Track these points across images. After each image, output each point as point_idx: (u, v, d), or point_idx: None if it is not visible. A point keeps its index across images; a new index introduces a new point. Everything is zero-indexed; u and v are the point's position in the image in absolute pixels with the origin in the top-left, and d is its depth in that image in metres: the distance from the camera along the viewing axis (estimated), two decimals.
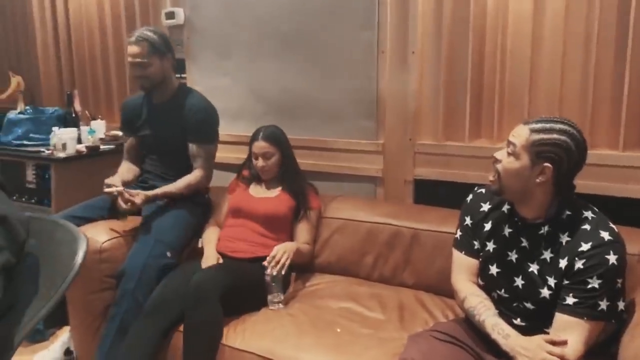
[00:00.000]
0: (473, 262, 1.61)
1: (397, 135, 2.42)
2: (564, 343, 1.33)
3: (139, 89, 2.42)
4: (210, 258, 2.14)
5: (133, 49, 2.31)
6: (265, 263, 2.02)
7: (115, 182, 2.24)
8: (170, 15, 2.95)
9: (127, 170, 2.51)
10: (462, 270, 1.63)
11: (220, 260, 2.14)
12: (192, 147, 2.39)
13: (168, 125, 2.41)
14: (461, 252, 1.64)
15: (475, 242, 1.61)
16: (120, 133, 2.90)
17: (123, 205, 2.17)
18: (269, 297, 2.02)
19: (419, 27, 2.28)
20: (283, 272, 2.02)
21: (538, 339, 1.36)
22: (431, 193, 2.36)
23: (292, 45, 2.64)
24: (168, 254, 2.15)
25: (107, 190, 2.20)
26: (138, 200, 2.18)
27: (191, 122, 2.37)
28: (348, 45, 2.48)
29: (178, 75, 2.63)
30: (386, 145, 2.45)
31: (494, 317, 1.47)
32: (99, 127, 3.10)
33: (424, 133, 2.37)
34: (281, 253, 2.04)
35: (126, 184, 2.38)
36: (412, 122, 2.37)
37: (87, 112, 3.26)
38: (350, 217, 2.31)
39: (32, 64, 3.75)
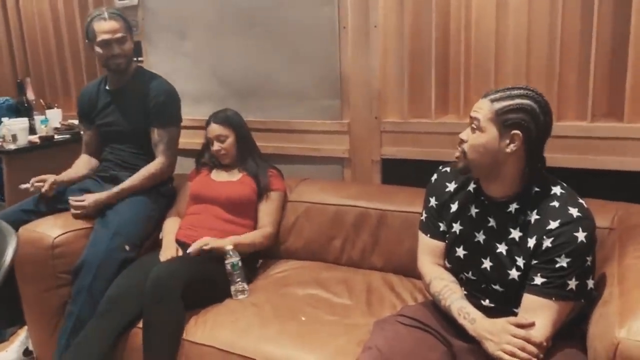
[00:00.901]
0: (438, 245, 1.54)
1: (362, 114, 2.34)
2: (530, 325, 1.28)
3: (115, 69, 2.25)
4: (168, 249, 2.04)
5: (110, 24, 2.18)
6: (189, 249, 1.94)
7: (48, 179, 2.15)
8: None
9: (83, 163, 2.39)
10: (427, 253, 1.56)
11: (180, 252, 2.04)
12: (154, 132, 2.28)
13: (127, 111, 2.30)
14: (426, 234, 1.57)
15: (441, 224, 1.54)
16: (76, 122, 2.78)
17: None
18: (232, 288, 1.94)
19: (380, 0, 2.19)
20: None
21: (503, 321, 1.30)
22: (399, 173, 2.30)
23: (252, 23, 2.53)
24: (127, 247, 2.05)
25: (22, 186, 2.12)
26: (87, 203, 2.11)
27: (151, 105, 2.26)
28: (309, 21, 2.38)
29: (135, 59, 2.50)
30: (352, 124, 2.37)
31: (460, 301, 1.41)
32: (54, 116, 2.96)
33: (390, 111, 2.29)
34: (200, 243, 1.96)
35: (81, 178, 2.28)
36: (377, 100, 2.29)
37: (41, 100, 3.10)
38: (317, 200, 2.23)
39: None
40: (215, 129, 2.23)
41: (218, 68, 2.67)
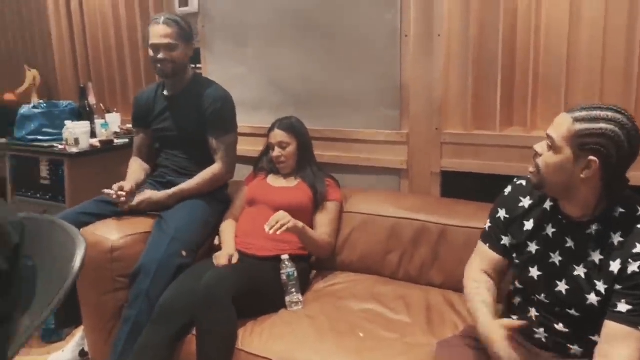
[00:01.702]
0: (494, 257, 1.48)
1: (422, 125, 2.27)
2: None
3: (159, 74, 2.30)
4: (228, 248, 2.05)
5: (161, 28, 2.21)
6: (265, 225, 1.92)
7: (125, 187, 2.15)
8: (184, 3, 2.84)
9: (138, 169, 2.42)
10: (479, 259, 1.51)
11: (236, 255, 2.03)
12: (212, 140, 2.29)
13: (184, 117, 2.31)
14: (485, 244, 1.50)
15: (504, 238, 1.46)
16: None
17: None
18: (287, 298, 1.91)
19: (445, 7, 2.13)
20: (279, 233, 1.90)
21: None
22: (460, 186, 2.21)
23: (310, 30, 2.51)
24: (184, 253, 2.05)
25: (105, 191, 2.13)
26: (143, 206, 2.15)
27: (208, 112, 2.27)
28: (369, 29, 2.33)
29: (193, 66, 2.53)
30: (411, 135, 2.31)
31: (478, 304, 1.37)
32: (114, 120, 3.02)
33: (451, 122, 2.22)
34: (284, 217, 1.93)
35: (140, 185, 2.30)
36: (439, 110, 2.22)
37: (101, 105, 3.17)
38: (374, 211, 2.18)
39: (48, 57, 3.69)
40: (278, 134, 2.23)
41: (275, 76, 2.67)
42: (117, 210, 2.23)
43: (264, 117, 2.67)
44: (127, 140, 2.89)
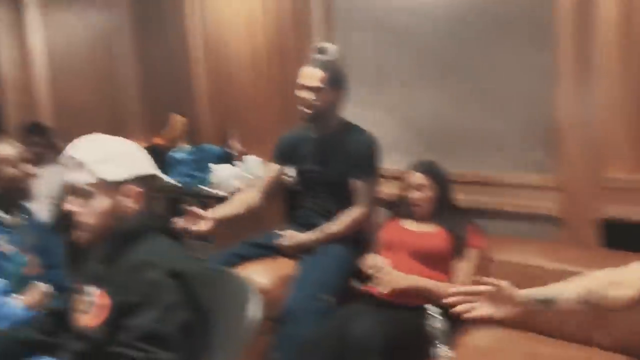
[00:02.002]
0: None
1: (578, 168, 2.11)
2: None
3: (301, 116, 2.35)
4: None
5: (310, 70, 2.27)
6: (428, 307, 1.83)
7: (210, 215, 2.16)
8: (323, 51, 2.92)
9: (243, 200, 2.42)
10: None
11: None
12: (355, 183, 2.30)
13: (331, 160, 2.35)
14: None
15: None
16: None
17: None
18: (434, 351, 1.82)
19: (604, 40, 1.98)
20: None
21: None
22: (627, 237, 2.00)
23: (451, 70, 2.47)
24: (327, 297, 2.05)
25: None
26: (288, 242, 2.19)
27: (356, 156, 2.30)
28: (518, 66, 2.24)
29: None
30: (565, 179, 2.15)
31: None
32: (255, 163, 3.15)
33: (613, 164, 2.03)
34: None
35: (236, 216, 2.33)
36: (598, 152, 2.04)
37: (241, 148, 3.33)
38: (523, 262, 2.04)
39: (190, 104, 3.95)
40: (417, 177, 2.19)
41: (412, 118, 2.64)
42: (262, 253, 2.31)
43: (397, 160, 2.63)
44: None
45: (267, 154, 3.35)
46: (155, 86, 4.28)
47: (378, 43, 2.73)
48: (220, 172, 2.81)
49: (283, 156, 2.51)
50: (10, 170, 1.82)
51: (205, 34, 3.69)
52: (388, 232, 2.24)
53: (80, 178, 1.30)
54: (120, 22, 4.25)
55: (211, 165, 2.94)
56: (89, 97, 4.13)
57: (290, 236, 2.25)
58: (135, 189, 1.35)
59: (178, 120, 3.90)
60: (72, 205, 1.33)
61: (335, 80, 2.31)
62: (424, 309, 1.87)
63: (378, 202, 2.44)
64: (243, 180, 2.96)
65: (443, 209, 2.19)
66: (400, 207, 2.30)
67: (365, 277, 2.18)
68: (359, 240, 2.33)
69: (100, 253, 1.35)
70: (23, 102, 3.90)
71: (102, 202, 1.31)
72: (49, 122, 3.81)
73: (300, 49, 3.16)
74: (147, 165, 1.40)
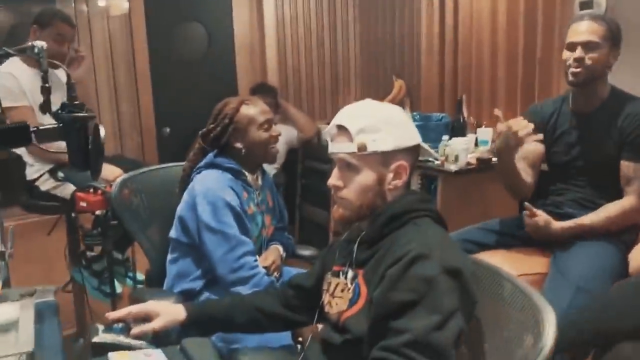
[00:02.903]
0: None
1: None
2: None
3: (569, 80, 1.94)
4: None
5: (584, 24, 1.89)
6: None
7: None
8: (587, 5, 2.43)
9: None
10: None
11: None
12: (627, 166, 1.87)
13: (598, 141, 1.94)
14: None
15: None
16: None
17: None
18: None
19: None
20: None
21: None
22: None
23: None
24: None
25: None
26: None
27: (629, 132, 1.87)
28: None
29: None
30: None
31: None
32: (486, 135, 2.82)
33: None
34: None
35: None
36: None
37: (471, 118, 3.01)
38: None
39: (414, 69, 3.73)
40: None
41: None
42: (502, 241, 2.02)
43: None
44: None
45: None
46: (376, 47, 4.13)
47: None
48: (455, 145, 2.53)
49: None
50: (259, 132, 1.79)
51: None
52: None
53: (347, 149, 1.15)
54: None
55: (444, 137, 2.67)
56: (310, 60, 4.17)
57: (546, 221, 1.89)
58: (403, 162, 1.16)
59: (397, 83, 3.72)
60: (335, 179, 1.18)
61: (614, 36, 1.89)
62: None
63: None
64: (477, 154, 2.64)
65: None
66: None
67: None
68: (624, 237, 1.90)
69: (360, 234, 1.20)
70: (253, 64, 4.08)
71: (367, 177, 1.15)
72: (274, 82, 3.93)
73: (551, 3, 2.70)
74: (415, 135, 1.20)
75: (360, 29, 4.24)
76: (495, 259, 1.89)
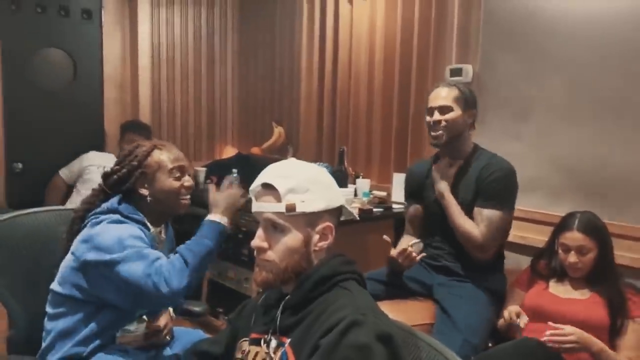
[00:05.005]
0: None
1: None
2: None
3: (432, 142, 2.12)
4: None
5: (439, 91, 2.09)
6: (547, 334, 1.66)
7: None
8: (457, 72, 2.69)
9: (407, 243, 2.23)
10: None
11: None
12: (477, 211, 2.02)
13: (463, 190, 2.09)
14: None
15: None
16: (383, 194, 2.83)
17: None
18: None
19: None
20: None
21: None
22: None
23: (616, 108, 2.20)
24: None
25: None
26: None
27: (483, 181, 2.03)
28: None
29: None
30: None
31: None
32: (364, 186, 2.94)
33: None
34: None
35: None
36: None
37: (350, 169, 3.12)
38: None
39: (294, 116, 3.79)
40: (577, 238, 1.86)
41: (561, 156, 2.37)
42: (390, 292, 2.09)
43: (539, 201, 2.42)
44: (382, 209, 2.75)
45: (376, 177, 3.16)
46: (255, 93, 4.15)
47: (526, 71, 2.47)
48: None
49: (414, 191, 2.27)
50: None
51: (320, 44, 3.51)
52: (533, 297, 1.95)
53: (274, 208, 1.11)
54: (225, 22, 4.19)
55: None
56: (186, 99, 4.05)
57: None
58: (329, 223, 1.15)
59: (277, 131, 3.75)
60: (260, 240, 1.13)
61: (465, 99, 2.09)
62: None
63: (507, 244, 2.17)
64: (360, 205, 2.71)
65: (601, 272, 1.88)
66: (544, 266, 2.01)
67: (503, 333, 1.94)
68: (494, 288, 2.06)
69: (281, 299, 1.15)
70: (123, 99, 3.85)
71: (295, 238, 1.12)
72: (147, 120, 3.73)
73: (424, 69, 2.94)
74: (340, 195, 1.20)
75: (239, 71, 4.25)
76: (389, 311, 1.93)
